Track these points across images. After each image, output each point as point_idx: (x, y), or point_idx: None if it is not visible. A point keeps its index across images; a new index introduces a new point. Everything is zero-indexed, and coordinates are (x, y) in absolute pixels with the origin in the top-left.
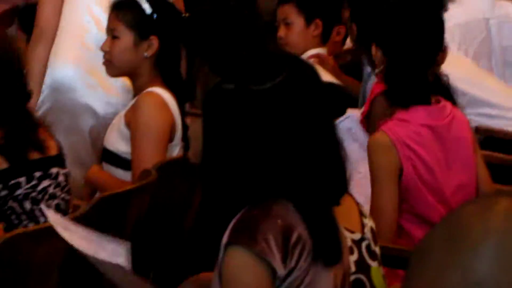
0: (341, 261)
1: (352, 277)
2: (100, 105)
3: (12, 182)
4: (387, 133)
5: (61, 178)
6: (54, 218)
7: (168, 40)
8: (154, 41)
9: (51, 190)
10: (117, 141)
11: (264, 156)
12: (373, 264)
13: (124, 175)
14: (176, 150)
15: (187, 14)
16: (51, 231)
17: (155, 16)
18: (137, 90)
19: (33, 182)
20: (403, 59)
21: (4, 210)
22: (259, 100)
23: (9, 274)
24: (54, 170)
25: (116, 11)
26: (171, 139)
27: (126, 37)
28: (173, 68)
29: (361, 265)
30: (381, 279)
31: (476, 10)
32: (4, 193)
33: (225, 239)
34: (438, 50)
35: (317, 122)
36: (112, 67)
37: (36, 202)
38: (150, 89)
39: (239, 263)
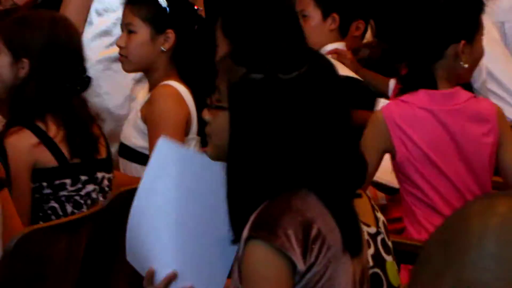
0: (361, 254)
1: (369, 272)
2: (115, 108)
3: (57, 182)
4: (383, 111)
5: (105, 183)
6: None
7: (184, 33)
8: (171, 35)
9: (94, 195)
10: (133, 135)
11: (291, 144)
12: (388, 258)
13: (141, 170)
14: (192, 145)
15: (201, 8)
16: (70, 226)
17: (170, 9)
18: (153, 84)
19: (78, 186)
20: (408, 50)
21: (45, 210)
22: (287, 89)
23: (27, 268)
24: (99, 175)
25: (131, 5)
26: (186, 132)
27: (143, 31)
28: (190, 61)
29: (377, 259)
30: (395, 273)
31: (491, 13)
32: (47, 191)
33: (245, 233)
34: (447, 43)
35: (337, 112)
36: (129, 63)
37: (78, 206)
38: (165, 82)
39: (260, 257)
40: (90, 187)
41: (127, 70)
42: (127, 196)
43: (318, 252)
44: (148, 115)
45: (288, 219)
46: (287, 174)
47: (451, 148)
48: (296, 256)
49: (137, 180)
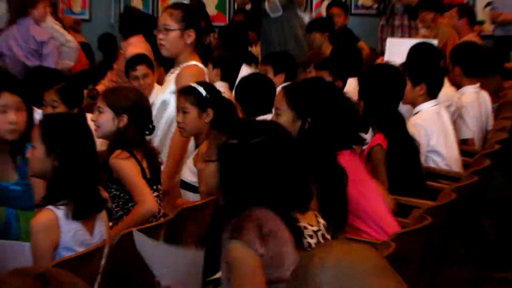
0: (301, 244)
1: None
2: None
3: None
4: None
5: (157, 193)
6: (138, 236)
7: (219, 111)
8: (210, 112)
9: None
10: (189, 175)
11: (257, 182)
12: None
13: (193, 195)
14: None
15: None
16: (150, 230)
17: (208, 96)
18: (199, 143)
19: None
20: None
21: (129, 209)
22: (253, 150)
23: (125, 258)
24: (155, 187)
25: (184, 95)
26: None
27: (193, 111)
28: (223, 128)
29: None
30: None
31: None
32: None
33: (227, 234)
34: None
35: (290, 160)
36: (185, 132)
37: None
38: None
39: (237, 250)
40: (155, 194)
41: (184, 136)
42: (187, 210)
43: (270, 242)
44: (198, 162)
45: (251, 225)
46: (253, 199)
47: (372, 185)
48: (258, 246)
49: (189, 202)
